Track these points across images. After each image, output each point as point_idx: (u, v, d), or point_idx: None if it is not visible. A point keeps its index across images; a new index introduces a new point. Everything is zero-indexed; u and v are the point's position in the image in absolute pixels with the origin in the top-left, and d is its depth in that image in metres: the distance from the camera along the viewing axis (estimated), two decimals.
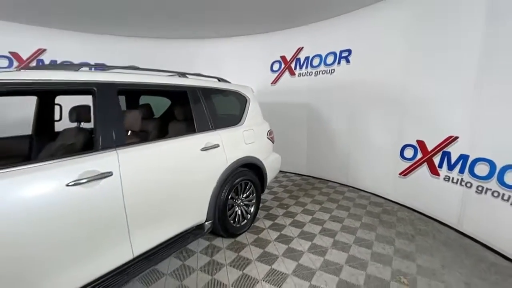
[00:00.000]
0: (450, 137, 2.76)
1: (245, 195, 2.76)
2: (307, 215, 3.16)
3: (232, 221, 2.57)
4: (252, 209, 2.85)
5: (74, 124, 2.24)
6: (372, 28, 3.58)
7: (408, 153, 3.27)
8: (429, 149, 3.01)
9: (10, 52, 4.03)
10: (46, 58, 4.31)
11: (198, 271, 2.13)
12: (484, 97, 2.45)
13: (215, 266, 2.20)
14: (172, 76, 2.36)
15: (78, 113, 2.11)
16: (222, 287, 1.96)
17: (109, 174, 1.53)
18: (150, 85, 2.03)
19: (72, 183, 1.38)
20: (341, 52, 4.01)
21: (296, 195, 3.83)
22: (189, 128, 2.31)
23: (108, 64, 4.77)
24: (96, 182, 1.47)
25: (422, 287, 1.95)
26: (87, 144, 2.00)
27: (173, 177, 1.97)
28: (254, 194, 2.86)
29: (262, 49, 4.92)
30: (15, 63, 4.07)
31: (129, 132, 2.46)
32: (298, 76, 4.60)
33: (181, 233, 2.11)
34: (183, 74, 2.37)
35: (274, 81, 4.89)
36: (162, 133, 2.60)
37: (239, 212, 2.69)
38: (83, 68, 1.66)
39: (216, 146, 2.34)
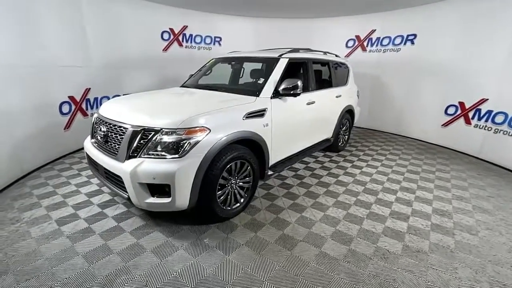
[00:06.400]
0: (483, 99, 4.32)
1: (345, 127, 4.56)
2: (377, 147, 4.95)
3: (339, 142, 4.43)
4: (347, 137, 4.68)
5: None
6: (434, 20, 4.94)
7: (451, 110, 4.86)
8: (467, 107, 4.58)
9: (169, 28, 5.81)
10: (187, 32, 6.08)
11: (328, 160, 4.04)
12: (509, 70, 3.93)
13: (336, 161, 4.10)
14: (319, 53, 4.03)
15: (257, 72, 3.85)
16: (342, 167, 3.86)
17: (314, 102, 3.34)
18: (318, 59, 3.78)
19: (306, 103, 3.21)
20: (408, 35, 5.42)
21: (364, 138, 5.61)
22: (330, 84, 4.04)
23: (215, 35, 6.46)
24: (311, 105, 3.30)
25: (454, 175, 3.72)
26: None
27: (326, 107, 3.79)
28: (348, 129, 4.66)
29: (340, 28, 6.36)
30: (171, 36, 5.86)
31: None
32: (369, 52, 6.09)
33: (323, 140, 3.98)
34: (325, 53, 4.06)
35: (348, 55, 6.39)
36: (321, 85, 4.04)
37: (341, 138, 4.52)
38: (301, 51, 3.40)
39: (340, 96, 4.09)
